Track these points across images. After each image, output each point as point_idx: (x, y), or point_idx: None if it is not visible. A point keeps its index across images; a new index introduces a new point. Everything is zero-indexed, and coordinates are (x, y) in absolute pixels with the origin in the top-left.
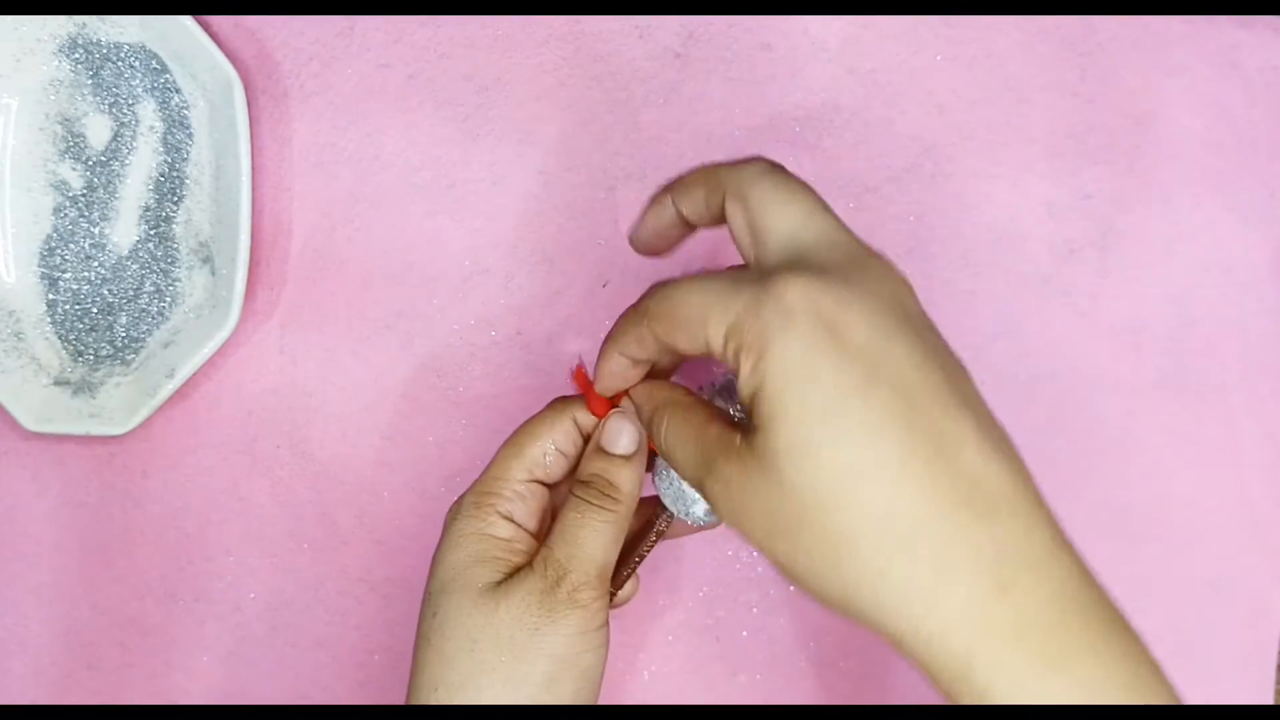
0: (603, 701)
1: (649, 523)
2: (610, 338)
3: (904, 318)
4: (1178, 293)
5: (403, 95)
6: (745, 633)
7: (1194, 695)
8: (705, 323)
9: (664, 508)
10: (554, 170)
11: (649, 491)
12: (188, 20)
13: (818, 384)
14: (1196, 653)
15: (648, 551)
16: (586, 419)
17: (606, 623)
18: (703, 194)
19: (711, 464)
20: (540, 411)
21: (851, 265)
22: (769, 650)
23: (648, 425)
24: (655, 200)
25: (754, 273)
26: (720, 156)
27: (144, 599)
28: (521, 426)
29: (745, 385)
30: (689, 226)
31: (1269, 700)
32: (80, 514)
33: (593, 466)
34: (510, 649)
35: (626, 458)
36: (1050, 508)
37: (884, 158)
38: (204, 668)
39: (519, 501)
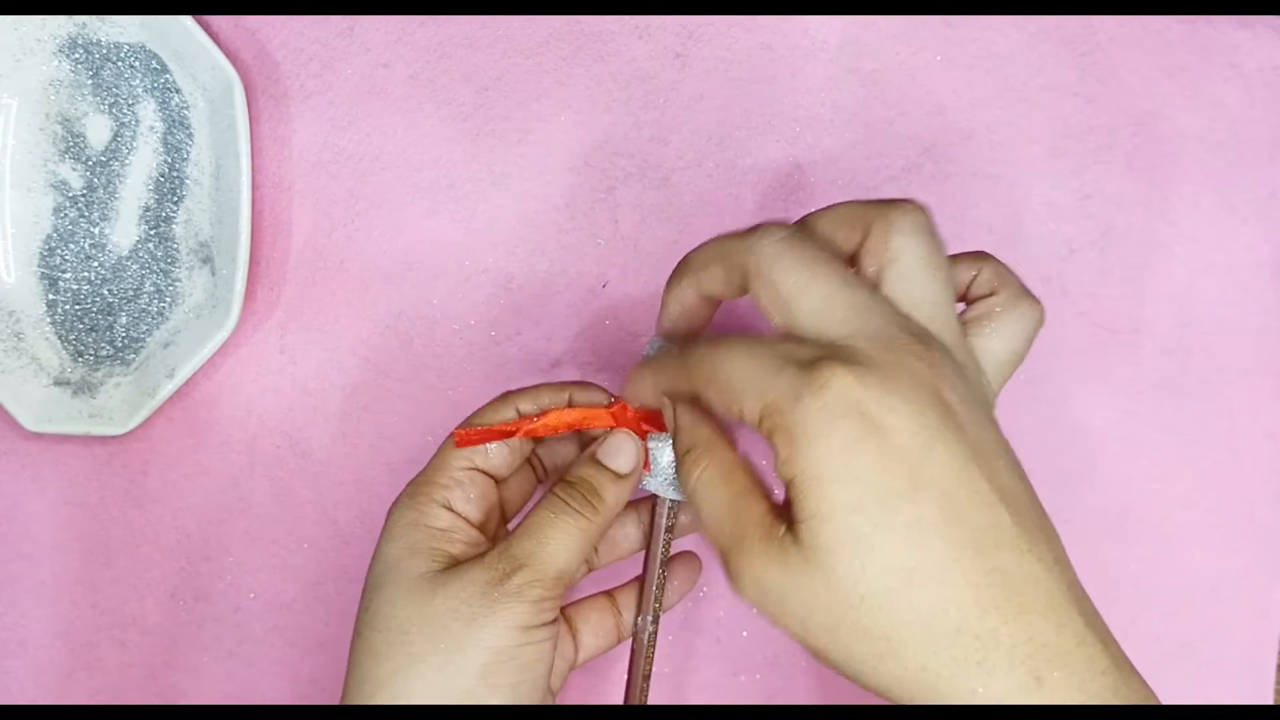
0: (603, 702)
1: (650, 530)
2: (652, 369)
3: (944, 414)
4: (1178, 293)
5: (403, 95)
6: (745, 633)
7: (1194, 695)
8: (741, 397)
9: (661, 500)
10: (554, 170)
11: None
12: (188, 20)
13: (861, 484)
14: (1196, 653)
15: (669, 551)
16: (529, 408)
17: (556, 622)
18: (721, 273)
19: (743, 540)
20: (481, 409)
21: (889, 354)
22: (769, 650)
23: (679, 456)
24: (672, 286)
25: (794, 351)
26: (720, 156)
27: (144, 599)
28: (466, 417)
29: (782, 469)
30: (716, 303)
31: (1269, 700)
32: (80, 514)
33: (582, 471)
34: (445, 639)
35: (620, 474)
36: (1083, 593)
37: (884, 158)
38: (204, 668)
39: (456, 488)
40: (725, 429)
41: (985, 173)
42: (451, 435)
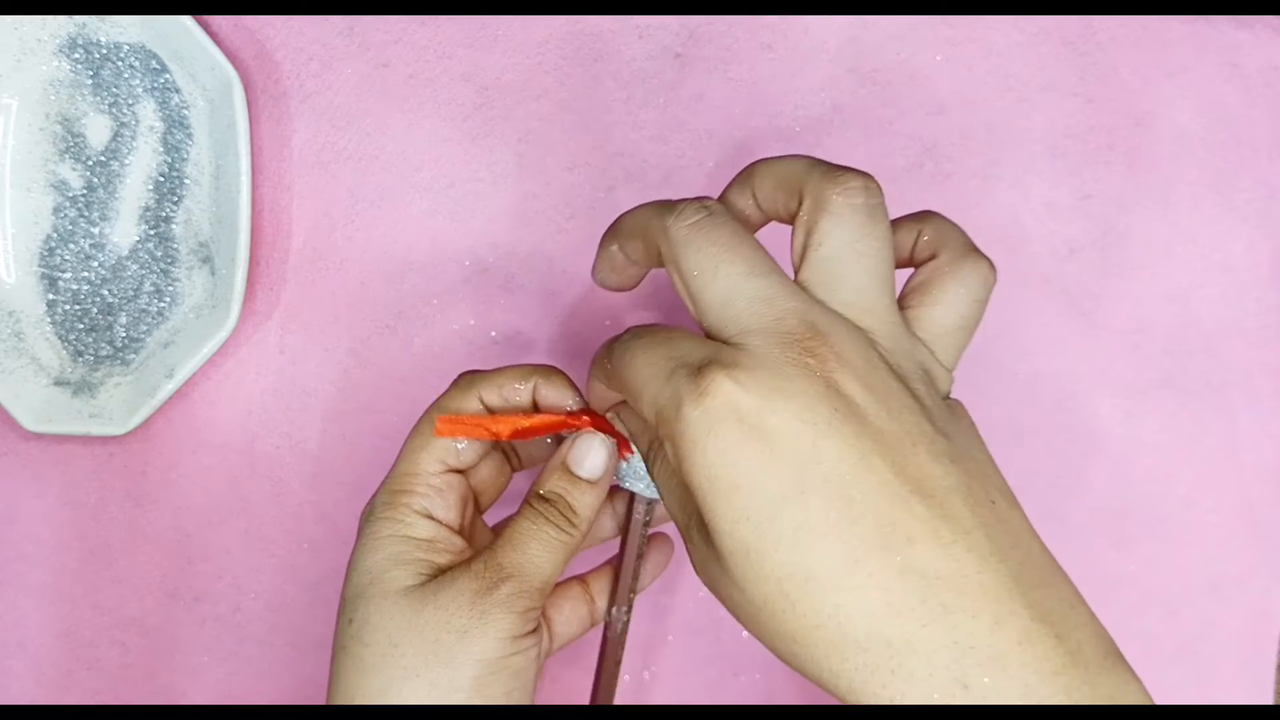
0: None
1: (626, 523)
2: (591, 372)
3: (837, 408)
4: (1178, 293)
5: (403, 95)
6: (745, 633)
7: (1194, 695)
8: (639, 403)
9: (635, 496)
10: (554, 170)
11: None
12: (188, 20)
13: (743, 492)
14: (1196, 653)
15: (645, 547)
16: (493, 398)
17: (539, 629)
18: (641, 246)
19: (689, 535)
20: (445, 394)
21: (779, 349)
22: (769, 650)
23: (643, 454)
24: (603, 244)
25: (687, 353)
26: (720, 156)
27: (144, 599)
28: (427, 413)
29: (672, 476)
30: (645, 267)
31: (1269, 700)
32: (80, 514)
33: (554, 484)
34: (435, 652)
35: (591, 482)
36: (1045, 580)
37: (884, 158)
38: (204, 668)
39: (436, 496)
40: None
41: (985, 173)
42: (418, 431)
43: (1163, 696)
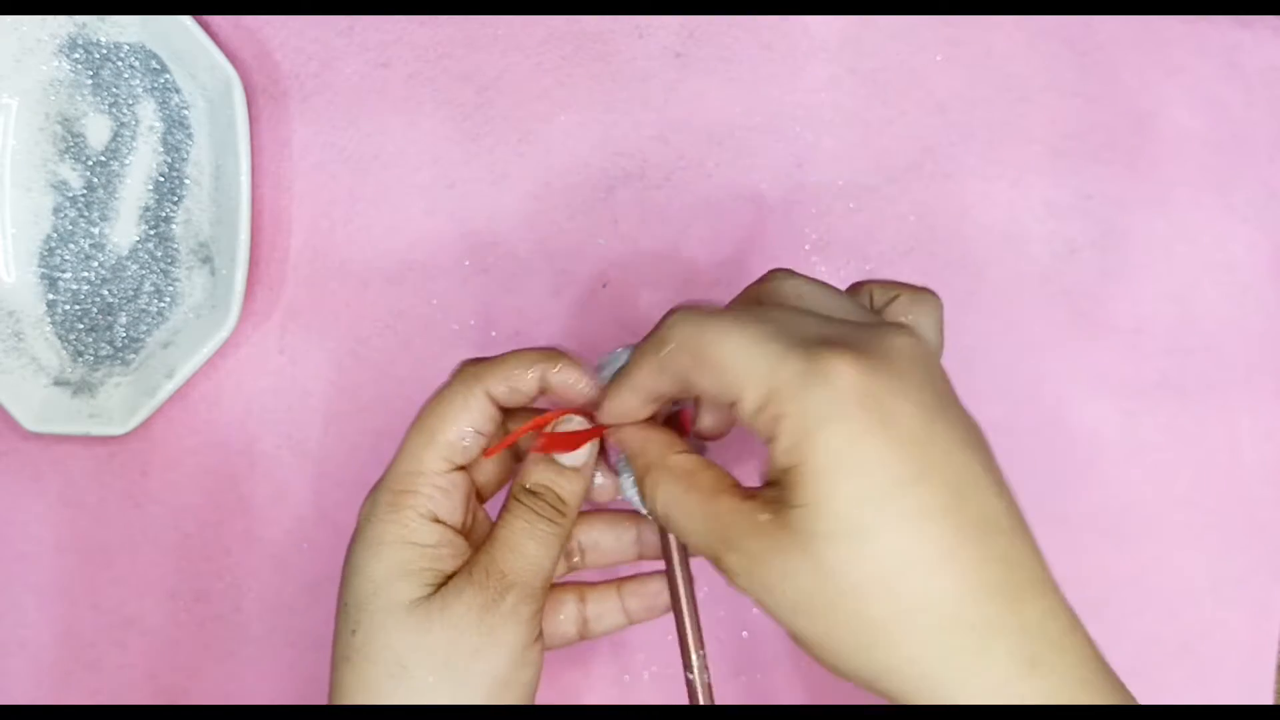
0: (604, 701)
1: (668, 563)
2: (625, 374)
3: (942, 399)
4: (1178, 293)
5: (403, 95)
6: (745, 633)
7: (1194, 695)
8: (742, 382)
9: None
10: (554, 170)
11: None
12: (188, 20)
13: (867, 472)
14: (1196, 653)
15: (692, 583)
16: (500, 390)
17: (542, 633)
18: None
19: (730, 540)
20: (449, 386)
21: (883, 340)
22: (769, 650)
23: (639, 480)
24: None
25: (797, 328)
26: (720, 156)
27: (144, 599)
28: (428, 407)
29: (781, 458)
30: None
31: (1269, 700)
32: (80, 514)
33: (540, 476)
34: (447, 673)
35: (576, 469)
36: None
37: (884, 158)
38: (204, 668)
39: (442, 497)
40: (673, 431)
41: (985, 173)
42: (421, 428)
43: (1163, 696)
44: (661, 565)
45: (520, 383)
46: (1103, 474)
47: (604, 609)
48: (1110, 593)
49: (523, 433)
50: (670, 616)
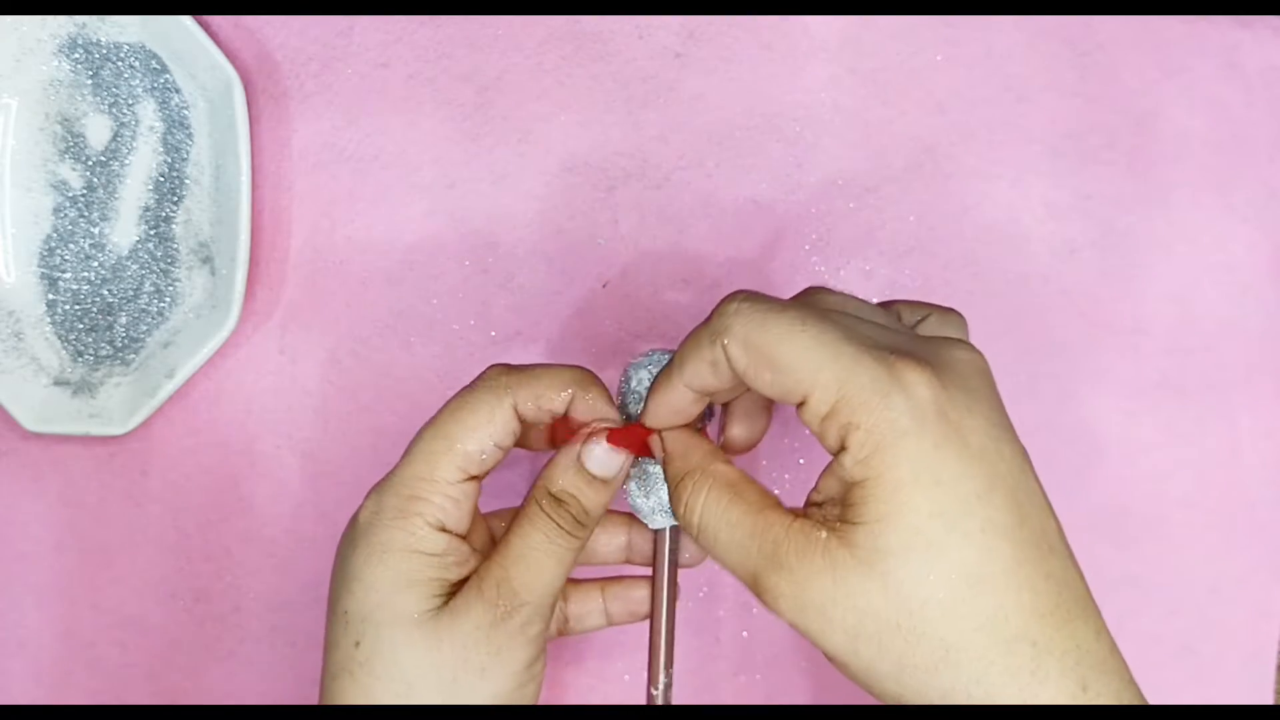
0: (603, 701)
1: (653, 574)
2: (675, 365)
3: (1004, 417)
4: (1178, 293)
5: (403, 95)
6: (745, 633)
7: (1194, 695)
8: (812, 382)
9: (661, 532)
10: (554, 170)
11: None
12: (188, 20)
13: (943, 487)
14: (1196, 653)
15: (676, 591)
16: (528, 407)
17: (545, 651)
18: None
19: (779, 558)
20: (474, 392)
21: (949, 353)
22: (769, 650)
23: (673, 485)
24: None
25: (871, 335)
26: (720, 156)
27: (144, 599)
28: (450, 411)
29: (854, 469)
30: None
31: (1269, 700)
32: (80, 514)
33: (568, 483)
34: (453, 692)
35: (607, 481)
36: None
37: (884, 158)
38: (204, 668)
39: (452, 507)
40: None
41: (985, 173)
42: (439, 433)
43: (1163, 696)
44: (647, 571)
45: (550, 403)
46: (1103, 474)
47: (586, 609)
48: (1110, 593)
49: (566, 433)
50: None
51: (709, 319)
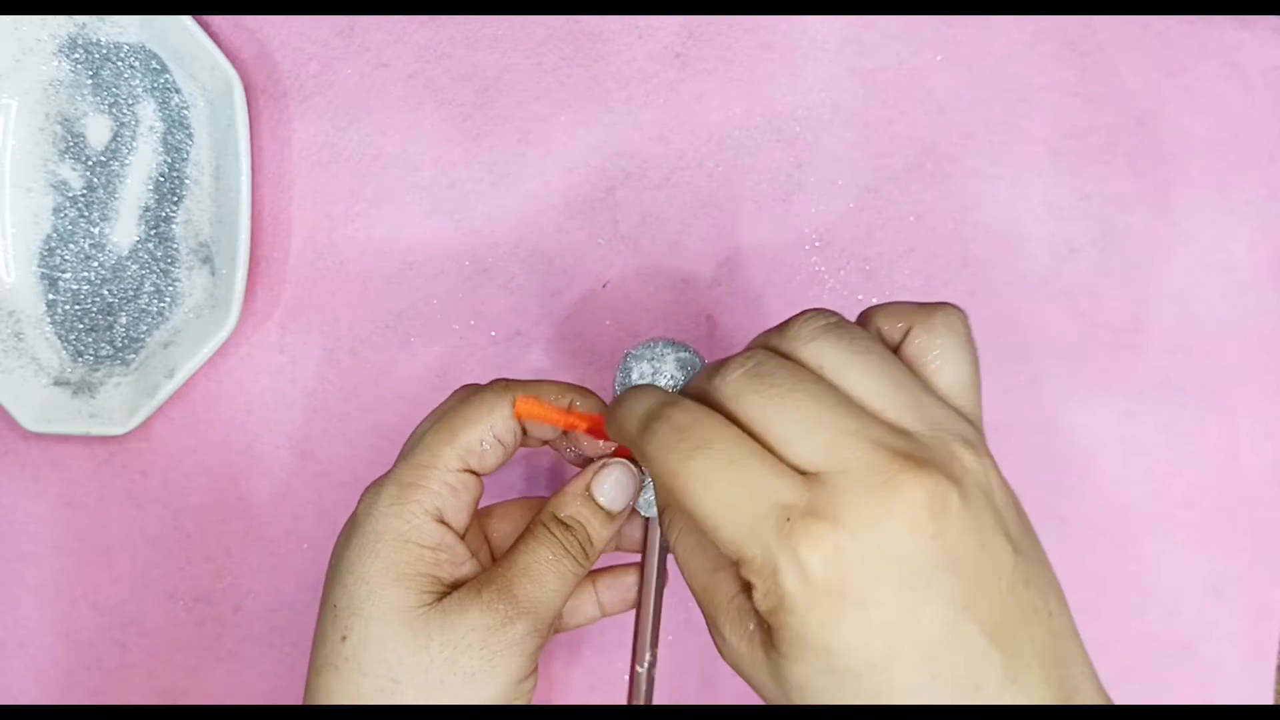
0: (602, 700)
1: (642, 559)
2: (619, 417)
3: (940, 564)
4: (1178, 293)
5: (403, 95)
6: None
7: (1194, 695)
8: (714, 535)
9: (652, 521)
10: (554, 170)
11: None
12: (188, 20)
13: (834, 655)
14: (1196, 653)
15: (665, 574)
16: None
17: (537, 669)
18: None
19: (718, 618)
20: (478, 391)
21: (882, 488)
22: None
23: (661, 509)
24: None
25: (777, 490)
26: (720, 156)
27: (144, 599)
28: (453, 407)
29: (760, 602)
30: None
31: (1269, 700)
32: (80, 514)
33: (576, 511)
34: (441, 694)
35: (612, 515)
36: (1073, 696)
37: (884, 158)
38: (204, 668)
39: (450, 495)
40: None
41: (985, 173)
42: (443, 424)
43: (1163, 696)
44: (635, 558)
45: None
46: (1103, 474)
47: (579, 602)
48: (1110, 593)
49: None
50: (669, 630)
51: (642, 426)
